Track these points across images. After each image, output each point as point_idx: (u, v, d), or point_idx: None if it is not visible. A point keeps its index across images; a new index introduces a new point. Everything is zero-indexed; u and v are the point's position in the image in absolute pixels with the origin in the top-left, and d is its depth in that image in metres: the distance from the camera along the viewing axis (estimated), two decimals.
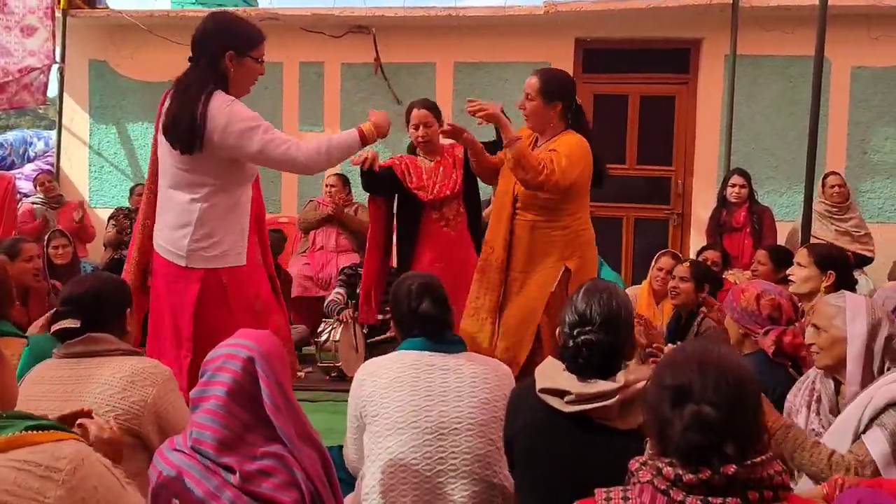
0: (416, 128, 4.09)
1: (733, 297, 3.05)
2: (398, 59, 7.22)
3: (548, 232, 3.39)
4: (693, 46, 7.07)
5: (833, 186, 5.92)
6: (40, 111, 18.37)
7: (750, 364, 2.23)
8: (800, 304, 3.21)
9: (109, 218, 6.87)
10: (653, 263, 5.10)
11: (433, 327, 2.46)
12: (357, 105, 7.34)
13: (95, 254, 6.96)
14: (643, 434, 1.61)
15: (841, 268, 3.36)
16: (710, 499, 1.37)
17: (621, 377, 2.01)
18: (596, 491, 1.53)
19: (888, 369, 2.31)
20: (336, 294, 5.35)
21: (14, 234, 6.26)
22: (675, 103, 7.18)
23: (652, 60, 7.16)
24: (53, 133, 8.15)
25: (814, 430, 2.45)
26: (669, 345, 3.23)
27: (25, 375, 2.28)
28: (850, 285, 3.27)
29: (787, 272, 3.59)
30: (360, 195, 6.79)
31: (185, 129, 2.75)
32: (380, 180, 4.00)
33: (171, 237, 2.91)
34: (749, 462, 1.39)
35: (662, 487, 1.41)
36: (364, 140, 3.01)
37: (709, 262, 4.97)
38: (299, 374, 4.93)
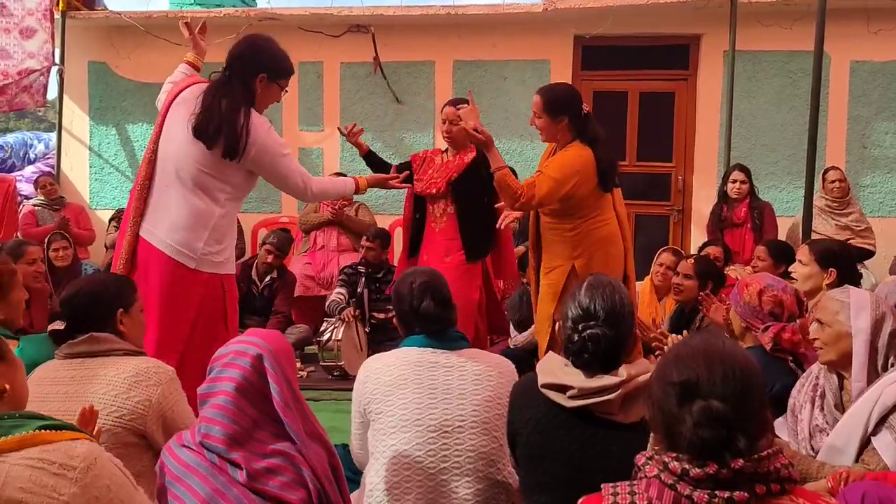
0: (444, 123, 4.19)
1: (738, 291, 3.06)
2: (397, 58, 7.22)
3: (560, 233, 3.59)
4: (692, 43, 7.07)
5: (833, 181, 5.92)
6: (40, 113, 18.37)
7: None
8: (805, 301, 3.21)
9: (111, 219, 6.87)
10: (654, 260, 5.11)
11: (434, 326, 2.46)
12: (356, 104, 7.34)
13: (97, 255, 6.96)
14: (645, 428, 1.61)
15: (843, 264, 3.35)
16: (717, 493, 1.37)
17: (623, 371, 2.02)
18: (603, 486, 1.53)
19: (892, 365, 2.30)
20: (337, 293, 5.36)
21: (15, 237, 6.27)
22: (674, 100, 7.18)
23: (651, 57, 7.16)
24: (53, 135, 8.14)
25: (818, 426, 2.44)
26: (673, 335, 3.24)
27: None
28: (855, 281, 3.25)
29: (789, 269, 3.58)
30: (360, 195, 6.82)
31: (230, 139, 2.92)
32: (379, 164, 4.23)
33: (183, 238, 2.98)
34: (756, 455, 1.39)
35: (669, 482, 1.41)
36: (357, 189, 3.44)
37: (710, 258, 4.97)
38: (301, 373, 4.95)
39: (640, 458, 1.49)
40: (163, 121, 3.12)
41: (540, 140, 3.73)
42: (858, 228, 5.89)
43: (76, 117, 7.77)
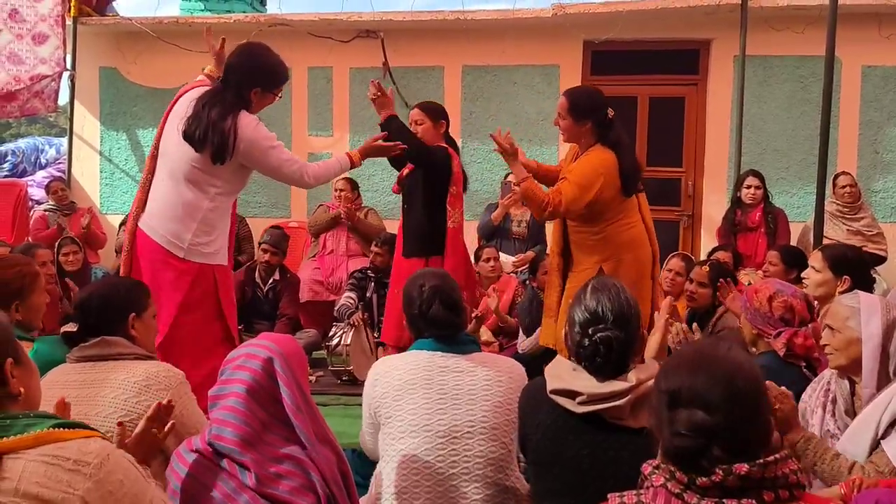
0: (410, 124, 4.22)
1: (747, 298, 3.04)
2: (406, 63, 7.23)
3: (586, 236, 3.63)
4: (702, 47, 7.05)
5: (844, 186, 5.90)
6: (51, 118, 18.51)
7: (762, 364, 2.22)
8: (815, 305, 3.18)
9: (121, 224, 6.89)
10: (664, 265, 5.09)
11: (443, 331, 2.45)
12: (366, 109, 7.33)
13: (108, 260, 6.99)
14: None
15: (857, 271, 3.31)
16: (724, 501, 1.36)
17: (633, 376, 2.01)
18: (610, 496, 1.52)
19: None
20: (347, 298, 5.36)
21: (27, 240, 6.30)
22: (684, 104, 7.16)
23: (661, 62, 7.14)
24: (64, 140, 8.19)
25: (829, 431, 2.43)
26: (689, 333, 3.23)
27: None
28: (868, 288, 3.21)
29: (802, 275, 3.55)
30: (369, 199, 6.83)
31: (218, 144, 3.07)
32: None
33: (174, 228, 3.16)
34: (762, 461, 1.38)
35: (676, 491, 1.40)
36: (352, 163, 3.52)
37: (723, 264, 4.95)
38: (310, 378, 4.94)
39: (647, 468, 1.48)
40: (166, 119, 3.32)
41: (551, 144, 3.74)
42: (870, 233, 5.86)
43: (87, 122, 7.82)
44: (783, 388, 2.29)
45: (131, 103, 7.74)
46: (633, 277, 3.56)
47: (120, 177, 7.84)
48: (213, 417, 1.84)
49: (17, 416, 1.53)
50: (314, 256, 6.20)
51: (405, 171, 4.22)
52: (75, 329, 2.31)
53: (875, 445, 2.18)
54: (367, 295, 5.44)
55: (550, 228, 4.05)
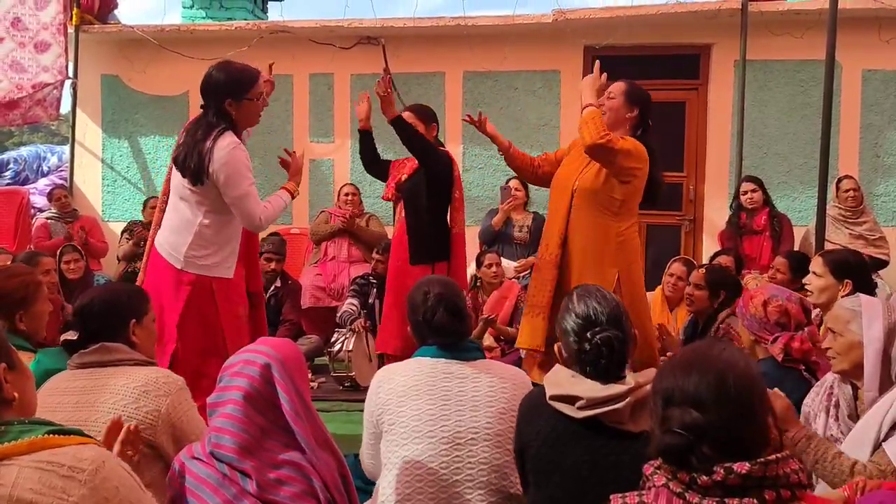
0: None
1: (743, 304, 3.04)
2: (408, 70, 7.24)
3: (604, 232, 3.51)
4: (703, 52, 7.05)
5: (847, 191, 5.88)
6: (53, 126, 18.51)
7: (762, 370, 2.21)
8: (815, 311, 3.18)
9: (123, 231, 6.90)
10: (665, 270, 5.09)
11: (447, 339, 2.45)
12: None
13: (110, 267, 6.99)
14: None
15: (859, 276, 3.31)
16: (726, 500, 1.36)
17: (631, 379, 2.01)
18: (612, 497, 1.52)
19: None
20: (349, 304, 5.36)
21: (29, 248, 6.31)
22: (685, 109, 7.16)
23: (662, 67, 7.14)
24: (67, 148, 8.20)
25: (832, 435, 2.42)
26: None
27: (39, 388, 2.29)
28: (870, 292, 3.21)
29: (803, 281, 3.54)
30: (371, 205, 6.83)
31: (195, 165, 3.21)
32: (371, 149, 4.44)
33: (173, 241, 3.34)
34: (763, 459, 1.37)
35: (678, 490, 1.40)
36: (292, 195, 3.56)
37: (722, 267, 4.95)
38: (312, 384, 4.94)
39: (649, 468, 1.48)
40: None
41: (552, 149, 3.74)
42: (872, 237, 5.85)
43: (89, 130, 7.83)
44: (775, 389, 2.29)
45: (133, 111, 7.75)
46: (639, 284, 3.56)
47: (122, 184, 7.85)
48: (212, 425, 1.84)
49: (12, 423, 1.52)
50: (316, 263, 6.20)
51: (404, 176, 4.21)
52: (75, 337, 2.30)
53: (877, 448, 2.17)
54: (370, 301, 5.44)
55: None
